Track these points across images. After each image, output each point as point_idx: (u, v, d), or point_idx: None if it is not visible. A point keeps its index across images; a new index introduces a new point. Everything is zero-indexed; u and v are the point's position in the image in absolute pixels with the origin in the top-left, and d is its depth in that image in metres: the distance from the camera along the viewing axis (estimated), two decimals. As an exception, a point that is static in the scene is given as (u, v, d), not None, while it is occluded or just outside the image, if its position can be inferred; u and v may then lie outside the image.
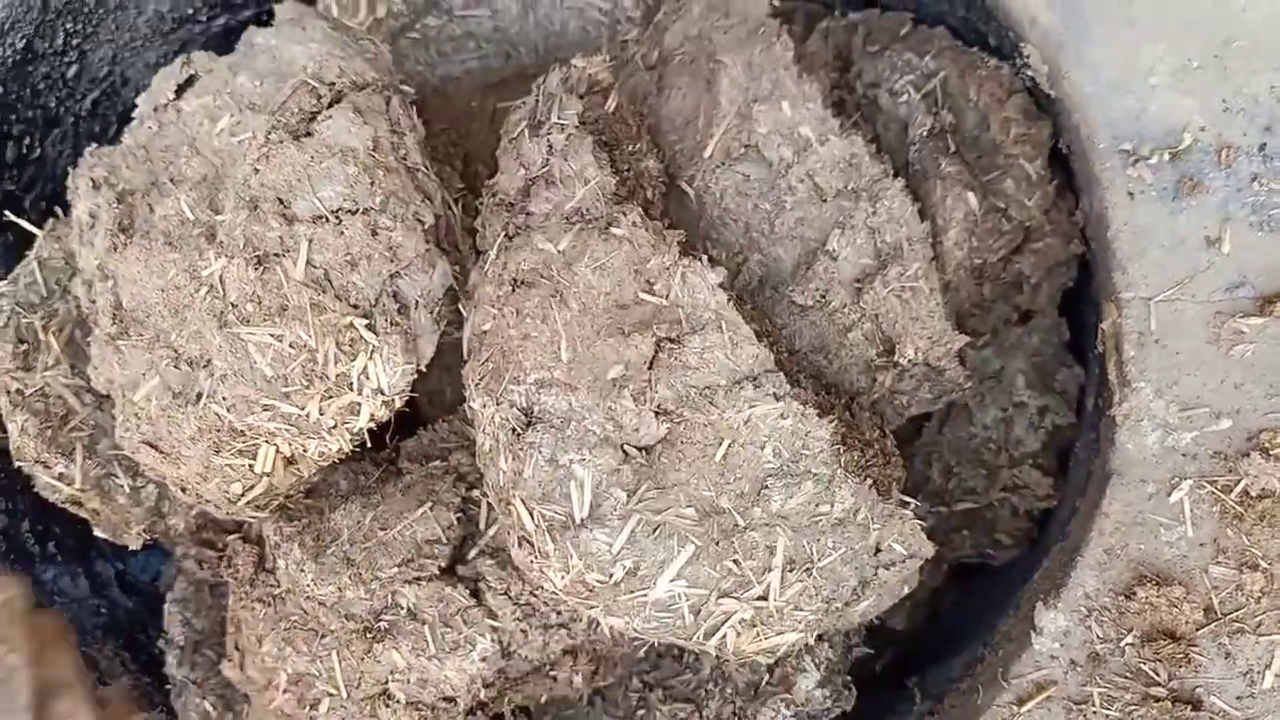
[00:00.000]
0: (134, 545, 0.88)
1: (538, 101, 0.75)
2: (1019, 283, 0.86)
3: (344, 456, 0.76)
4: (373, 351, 0.70)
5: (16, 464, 0.82)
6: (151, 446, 0.73)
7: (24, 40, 0.87)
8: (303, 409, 0.70)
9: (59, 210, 0.84)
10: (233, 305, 0.68)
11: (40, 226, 0.85)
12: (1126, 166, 0.70)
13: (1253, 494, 0.68)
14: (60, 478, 0.81)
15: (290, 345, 0.68)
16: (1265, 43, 0.69)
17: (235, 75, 0.74)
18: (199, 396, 0.70)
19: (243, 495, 0.74)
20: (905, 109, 0.82)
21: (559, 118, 0.73)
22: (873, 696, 0.90)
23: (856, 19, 0.91)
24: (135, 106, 0.83)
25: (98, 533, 0.87)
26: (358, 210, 0.69)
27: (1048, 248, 0.83)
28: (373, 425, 0.74)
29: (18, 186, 0.94)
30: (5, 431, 0.83)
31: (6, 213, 0.85)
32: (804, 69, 0.75)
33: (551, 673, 0.83)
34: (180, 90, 0.76)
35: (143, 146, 0.75)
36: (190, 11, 0.98)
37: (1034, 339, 0.90)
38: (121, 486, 0.83)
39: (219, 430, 0.71)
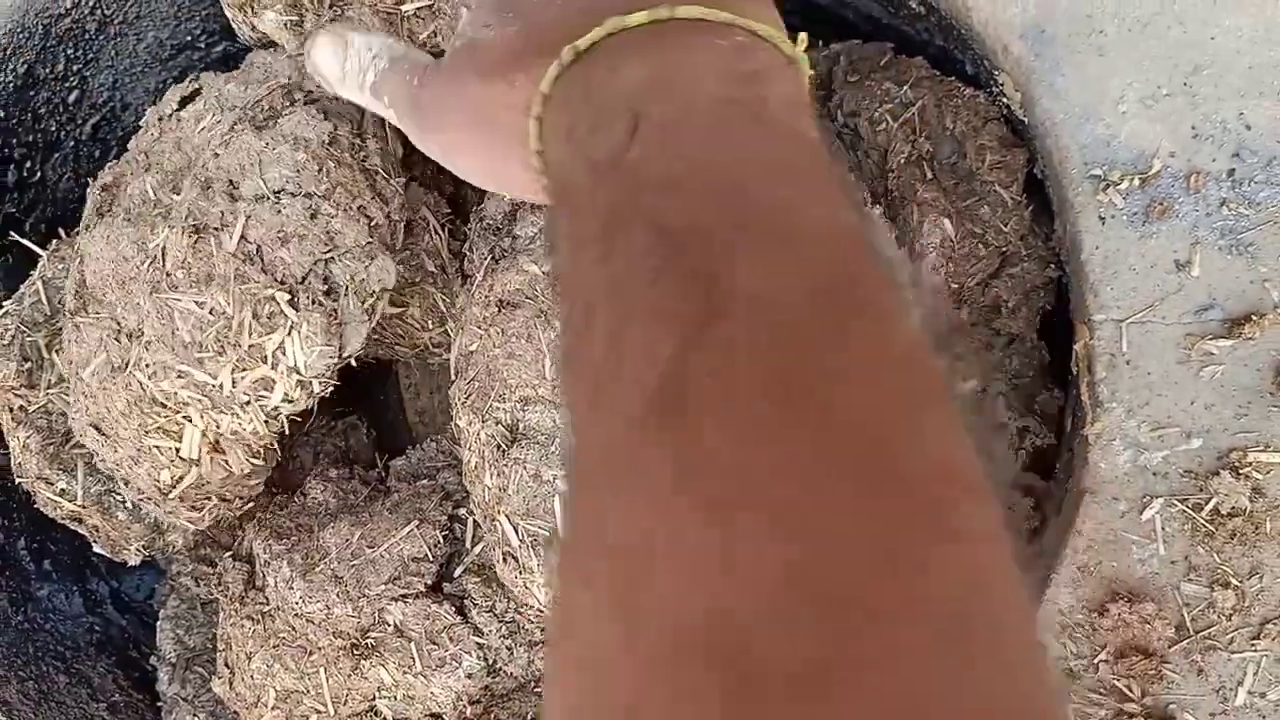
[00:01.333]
0: (133, 561, 0.88)
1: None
2: (997, 306, 0.88)
3: (270, 447, 0.76)
4: (291, 327, 0.69)
5: (17, 480, 0.84)
6: (95, 428, 0.73)
7: (25, 66, 0.89)
8: (215, 378, 0.70)
9: (61, 232, 0.86)
10: (167, 274, 0.69)
11: (42, 248, 0.87)
12: (1097, 191, 0.72)
13: (1223, 512, 0.69)
14: (62, 494, 0.82)
15: (210, 312, 0.68)
16: (1234, 71, 0.71)
17: (227, 84, 0.76)
18: (127, 365, 0.70)
19: (174, 486, 0.74)
20: (884, 137, 0.84)
21: (542, 146, 0.76)
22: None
23: (838, 49, 0.93)
24: (136, 130, 0.86)
25: (97, 549, 0.88)
26: (300, 193, 0.70)
27: (1024, 272, 0.85)
28: (291, 409, 0.73)
29: (18, 209, 0.96)
30: (4, 448, 0.84)
31: (11, 233, 0.87)
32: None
33: (536, 689, 0.84)
34: (184, 102, 0.79)
35: (143, 152, 0.78)
36: (189, 39, 1.00)
37: (1014, 361, 0.91)
38: (122, 503, 0.84)
39: (142, 400, 0.71)
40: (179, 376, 0.70)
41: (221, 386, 0.70)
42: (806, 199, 0.38)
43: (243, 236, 0.68)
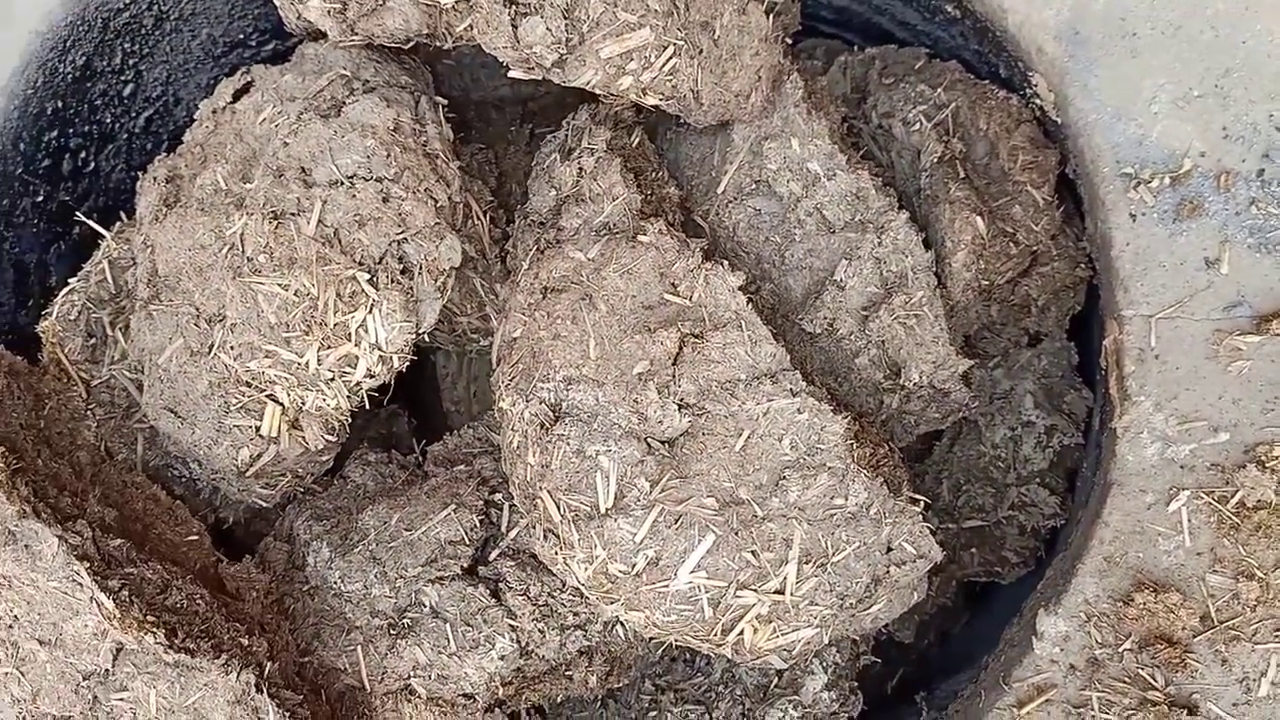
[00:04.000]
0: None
1: (568, 134, 0.81)
2: (1027, 305, 0.89)
3: (345, 422, 0.79)
4: (372, 305, 0.73)
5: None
6: (171, 411, 0.76)
7: (84, 58, 0.92)
8: (302, 356, 0.73)
9: (123, 215, 0.89)
10: (248, 259, 0.72)
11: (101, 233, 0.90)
12: (1129, 190, 0.73)
13: (1249, 505, 0.70)
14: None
15: (295, 294, 0.72)
16: (1264, 73, 0.72)
17: (283, 75, 0.79)
18: (211, 348, 0.74)
19: (251, 464, 0.78)
20: (918, 138, 0.86)
21: (589, 144, 0.78)
22: (883, 711, 0.92)
23: (873, 53, 0.95)
24: (187, 124, 0.89)
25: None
26: (371, 178, 0.73)
27: (1054, 271, 0.86)
28: (372, 383, 0.77)
29: (72, 197, 0.99)
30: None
31: (78, 213, 0.90)
32: (813, 106, 0.80)
33: (567, 672, 0.86)
34: (237, 96, 0.82)
35: (199, 144, 0.80)
36: (241, 36, 1.03)
37: (1043, 361, 0.92)
38: (179, 477, 0.86)
39: (226, 381, 0.75)
40: (266, 356, 0.74)
41: (308, 364, 0.74)
42: None
43: (320, 220, 0.72)
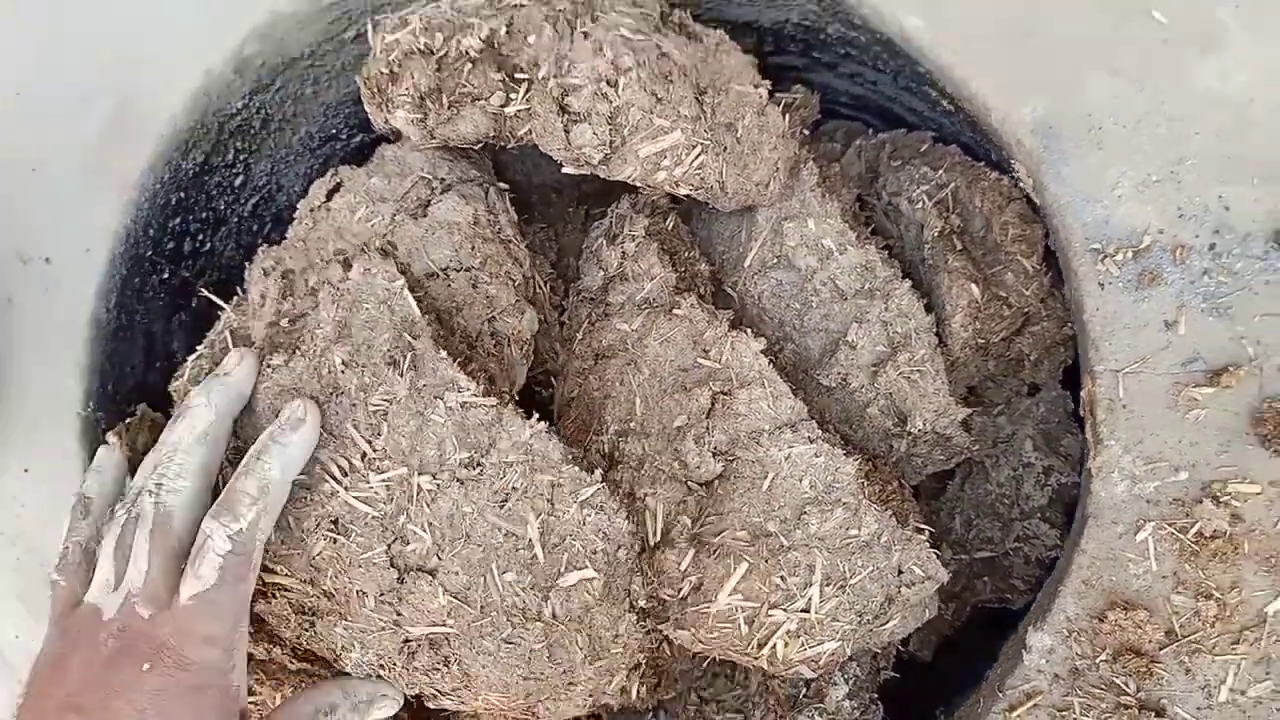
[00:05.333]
0: None
1: (611, 221, 0.94)
2: (1021, 360, 1.01)
3: None
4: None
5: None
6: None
7: (203, 156, 1.08)
8: None
9: (238, 290, 1.03)
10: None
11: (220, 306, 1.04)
12: (1097, 262, 0.85)
13: (1206, 534, 0.80)
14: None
15: None
16: (1213, 161, 0.83)
17: (370, 178, 0.92)
18: None
19: None
20: (921, 214, 0.98)
21: (630, 230, 0.92)
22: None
23: (884, 138, 1.07)
24: (287, 208, 1.03)
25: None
26: (462, 269, 0.86)
27: (1044, 330, 0.98)
28: None
29: (191, 273, 1.14)
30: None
31: (200, 288, 1.05)
32: (826, 190, 0.92)
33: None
34: (330, 195, 0.96)
35: (301, 239, 0.94)
36: (334, 131, 1.19)
37: (1041, 408, 1.04)
38: None
39: None
40: None
41: None
42: None
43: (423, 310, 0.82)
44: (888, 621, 0.87)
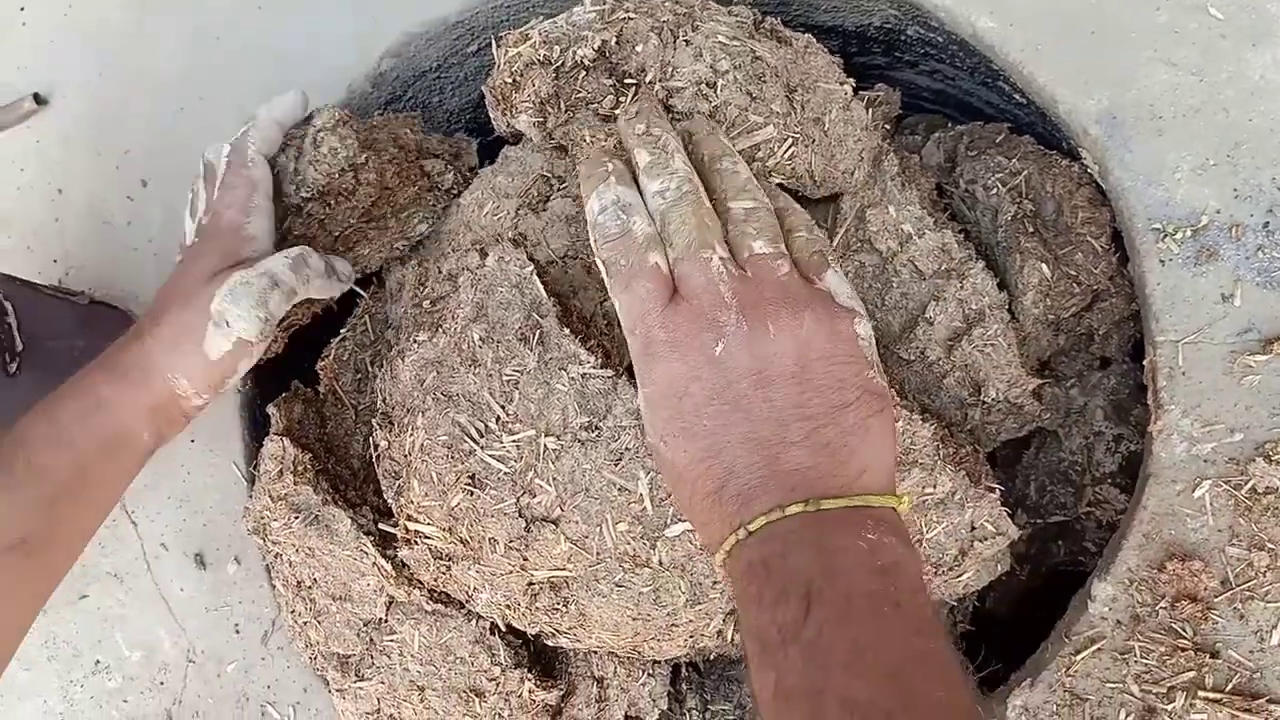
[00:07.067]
0: None
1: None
2: (1091, 334, 1.08)
3: None
4: None
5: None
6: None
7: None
8: None
9: (374, 279, 1.15)
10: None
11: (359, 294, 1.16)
12: (1158, 241, 0.92)
13: (1259, 491, 0.87)
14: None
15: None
16: (1267, 146, 0.90)
17: (495, 176, 1.01)
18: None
19: None
20: (995, 199, 1.06)
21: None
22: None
23: (962, 129, 1.15)
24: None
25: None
26: (577, 257, 0.94)
27: (1113, 306, 1.05)
28: None
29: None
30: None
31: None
32: (906, 179, 1.00)
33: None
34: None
35: (435, 232, 1.06)
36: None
37: (1111, 380, 1.10)
38: None
39: None
40: None
41: None
42: (939, 684, 0.60)
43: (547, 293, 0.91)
44: (962, 574, 0.96)
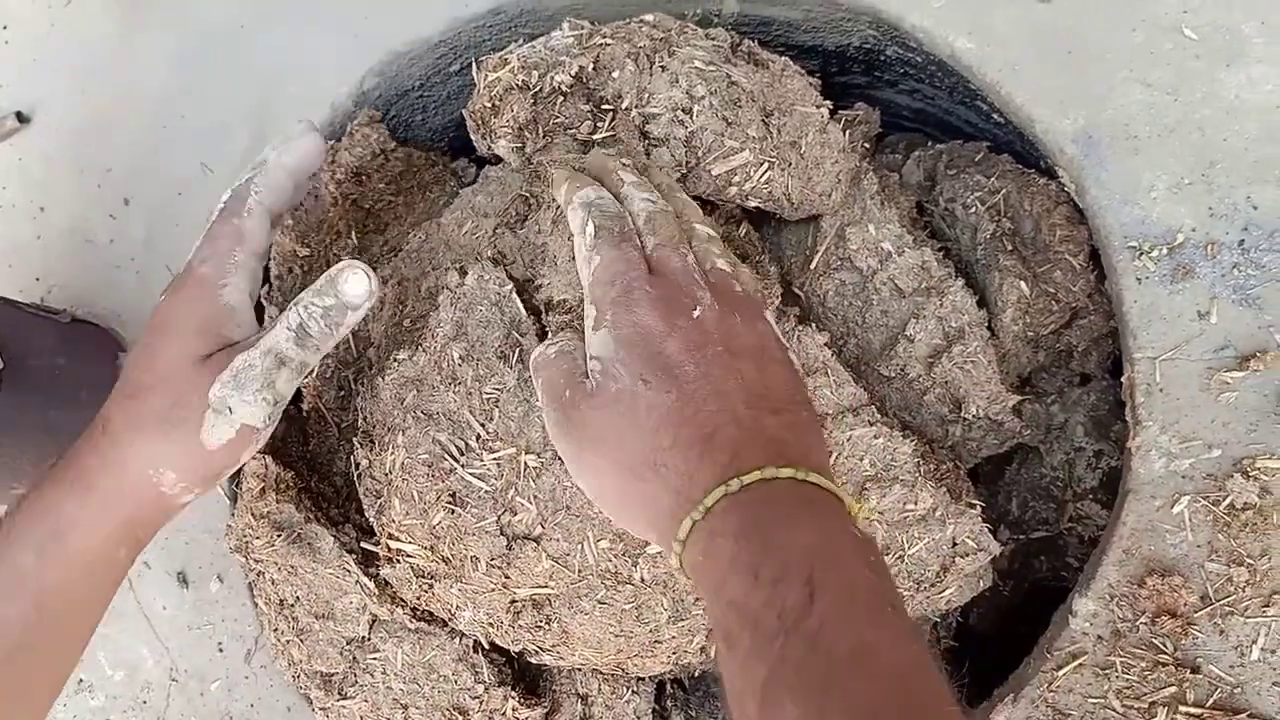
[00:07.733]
0: None
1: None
2: (1070, 351, 1.08)
3: None
4: None
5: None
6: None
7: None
8: None
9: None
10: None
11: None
12: (1134, 259, 0.93)
13: (1237, 506, 0.88)
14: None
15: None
16: (1241, 164, 0.91)
17: (475, 196, 1.03)
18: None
19: None
20: (974, 217, 1.07)
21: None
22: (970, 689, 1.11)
23: (942, 148, 1.16)
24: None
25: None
26: None
27: (1091, 323, 1.06)
28: None
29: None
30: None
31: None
32: (885, 198, 1.01)
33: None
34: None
35: (414, 250, 1.06)
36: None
37: (1091, 397, 1.11)
38: None
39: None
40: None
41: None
42: (942, 694, 0.57)
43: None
44: (945, 590, 0.96)
